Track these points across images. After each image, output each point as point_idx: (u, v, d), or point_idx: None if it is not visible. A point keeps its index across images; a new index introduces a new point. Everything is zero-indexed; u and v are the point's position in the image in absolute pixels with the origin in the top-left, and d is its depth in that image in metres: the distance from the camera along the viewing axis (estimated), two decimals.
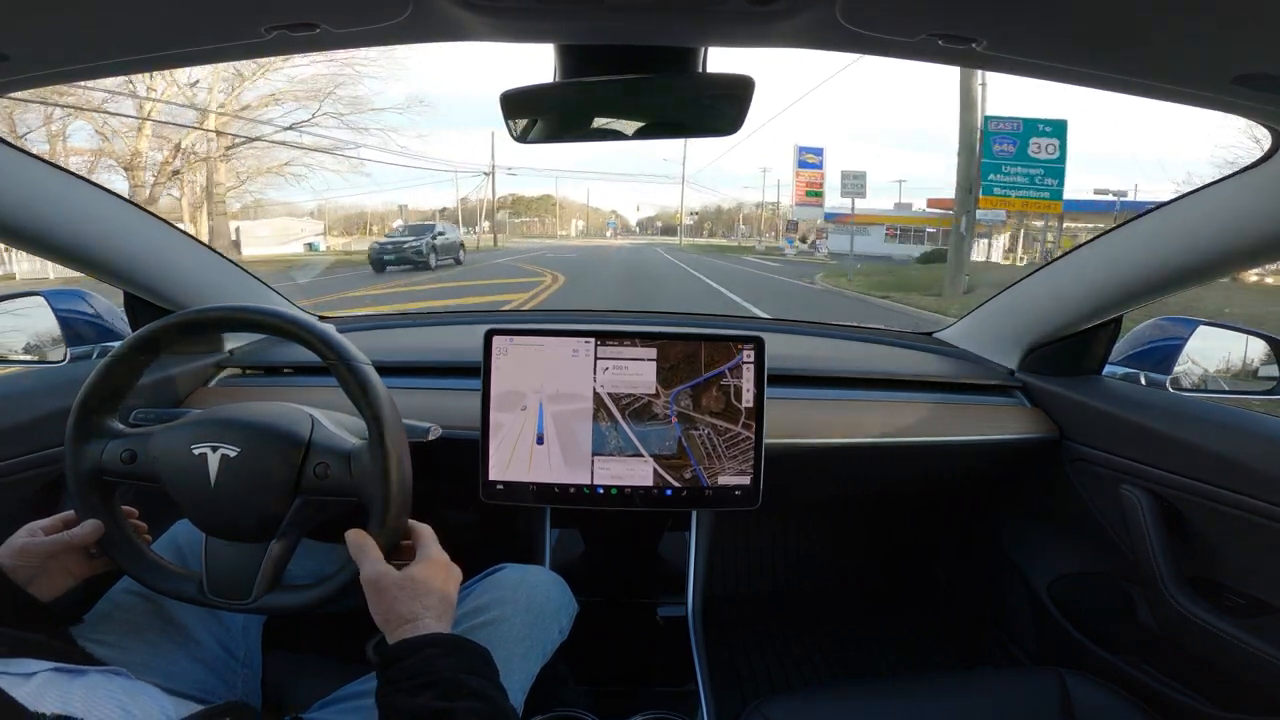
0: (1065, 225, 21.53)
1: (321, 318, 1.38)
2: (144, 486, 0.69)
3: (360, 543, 0.64)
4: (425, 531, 0.68)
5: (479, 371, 0.92)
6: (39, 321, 1.11)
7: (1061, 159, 10.75)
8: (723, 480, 0.93)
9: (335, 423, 0.73)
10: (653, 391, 0.93)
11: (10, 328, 1.14)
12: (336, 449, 0.68)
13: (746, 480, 0.93)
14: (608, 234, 58.72)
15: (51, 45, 0.58)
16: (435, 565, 0.65)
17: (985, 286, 9.49)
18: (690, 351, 0.92)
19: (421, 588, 0.62)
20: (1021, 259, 24.75)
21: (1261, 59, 0.53)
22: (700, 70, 0.69)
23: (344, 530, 0.66)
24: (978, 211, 11.29)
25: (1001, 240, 26.22)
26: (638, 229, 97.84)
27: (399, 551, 0.67)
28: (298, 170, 18.39)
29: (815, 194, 25.02)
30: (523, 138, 0.79)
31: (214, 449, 0.66)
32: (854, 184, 18.12)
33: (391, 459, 0.65)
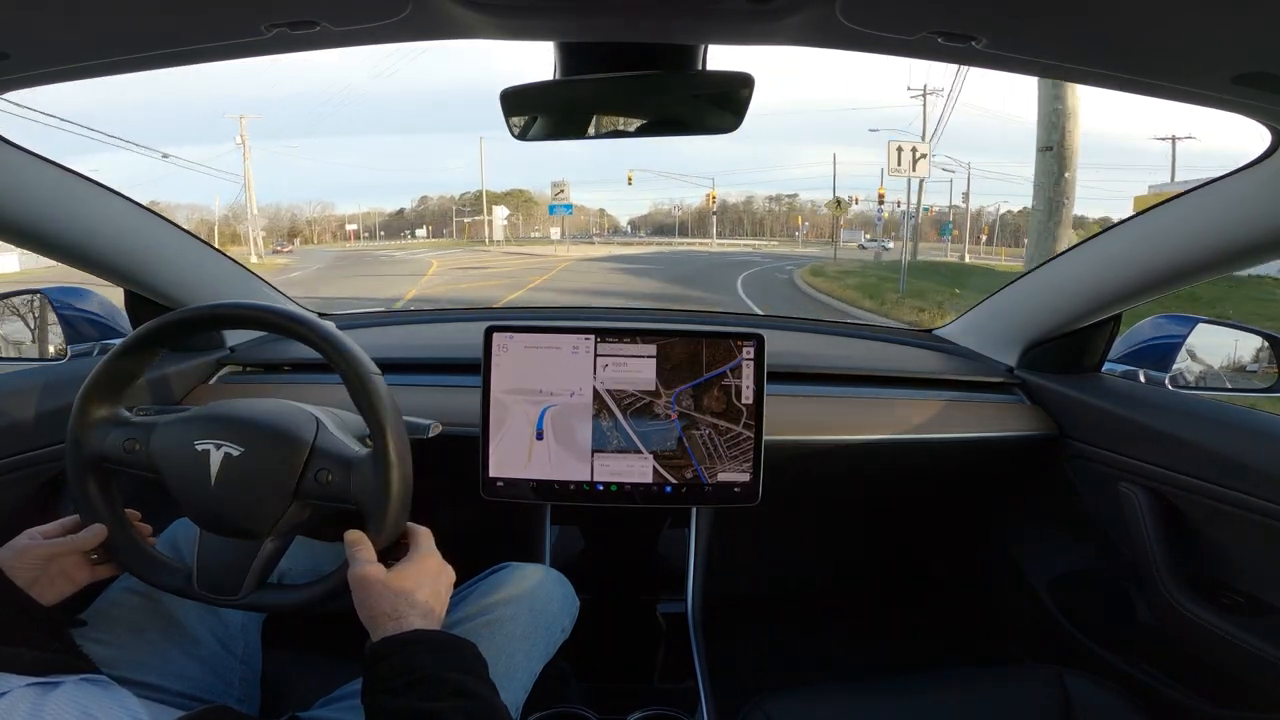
0: None
1: (322, 315, 1.38)
2: (143, 476, 0.69)
3: (355, 541, 0.64)
4: (422, 532, 0.68)
5: (479, 368, 0.93)
6: (40, 319, 1.11)
7: None
8: (722, 477, 0.93)
9: (339, 425, 0.72)
10: (653, 389, 0.93)
11: (11, 325, 1.14)
12: (339, 456, 0.67)
13: (746, 477, 0.93)
14: (553, 234, 35.67)
15: (51, 45, 0.58)
16: (426, 564, 0.64)
17: None
18: (691, 351, 0.93)
19: (408, 585, 0.61)
20: None
21: (1261, 58, 0.53)
22: (701, 68, 0.70)
23: (344, 529, 0.66)
24: None
25: None
26: (630, 228, 78.57)
27: (394, 550, 0.67)
28: None
29: None
30: (523, 135, 0.79)
31: (217, 446, 0.66)
32: None
33: (394, 472, 0.65)
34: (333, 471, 0.67)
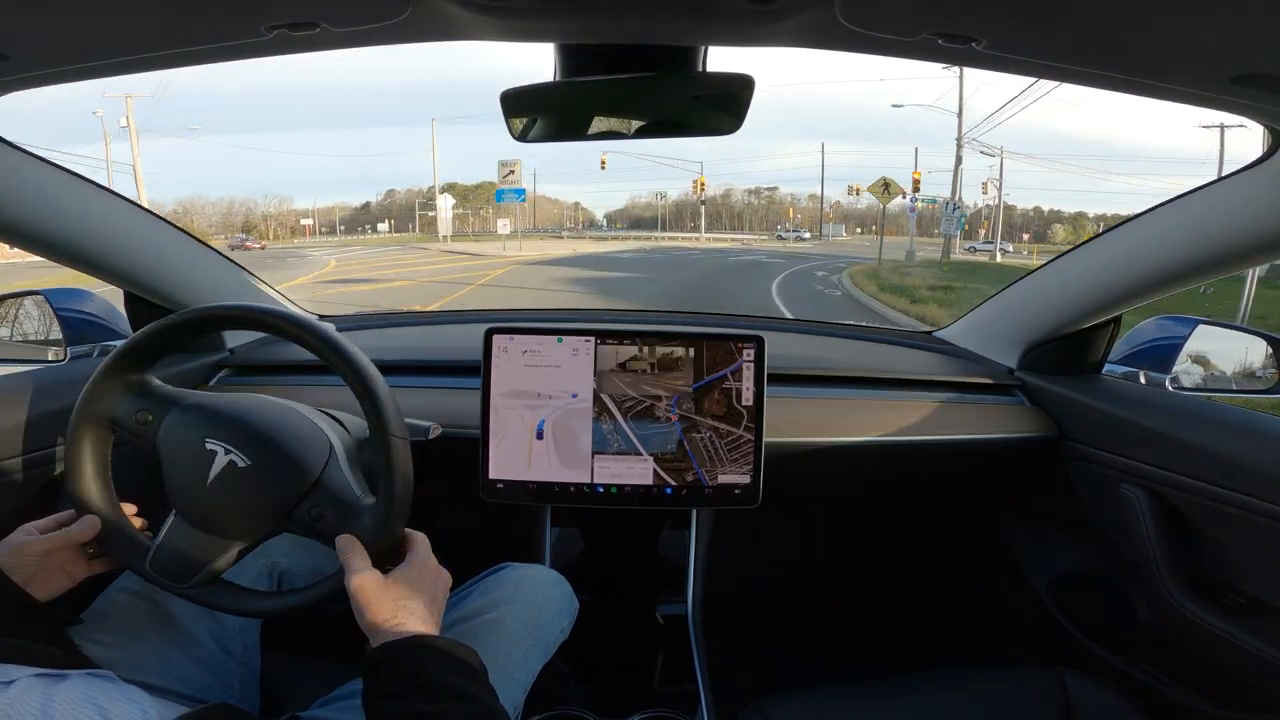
0: None
1: (322, 317, 1.38)
2: (141, 447, 0.69)
3: (348, 548, 0.64)
4: (418, 538, 0.68)
5: (479, 370, 0.93)
6: (40, 321, 1.11)
7: None
8: (723, 479, 0.93)
9: (349, 454, 0.71)
10: (653, 392, 0.93)
11: (11, 327, 1.14)
12: (340, 501, 0.67)
13: (747, 479, 0.93)
14: (501, 228, 28.12)
15: (51, 45, 0.58)
16: (422, 570, 0.64)
17: None
18: (692, 353, 0.93)
19: (406, 590, 0.62)
20: None
21: (1261, 59, 0.53)
22: (701, 69, 0.70)
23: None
24: None
25: None
26: (605, 222, 73.11)
27: (391, 555, 0.66)
28: None
29: None
30: (522, 137, 0.79)
31: (226, 451, 0.66)
32: None
33: (389, 538, 0.65)
34: (327, 512, 0.66)
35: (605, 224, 73.22)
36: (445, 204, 31.56)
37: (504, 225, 28.70)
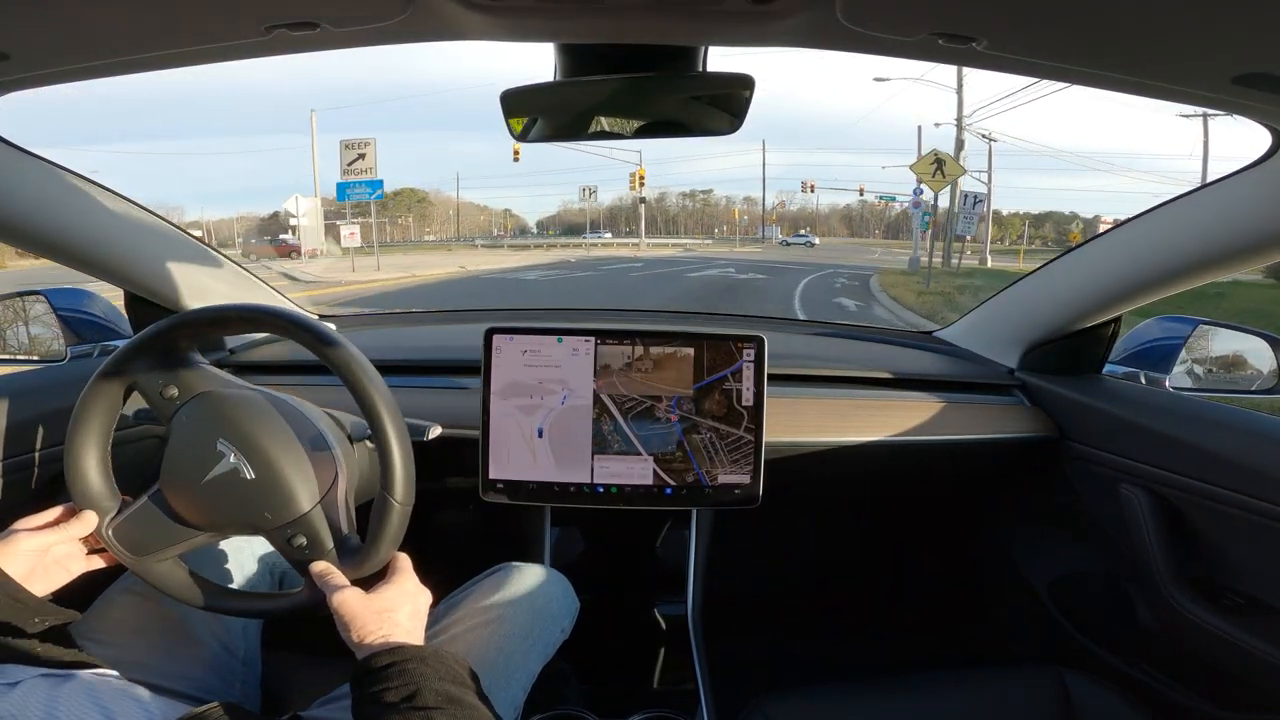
0: None
1: (322, 317, 1.38)
2: (154, 419, 0.69)
3: (323, 573, 0.65)
4: (400, 556, 0.68)
5: (479, 370, 0.93)
6: (40, 320, 1.11)
7: None
8: (723, 479, 0.93)
9: (349, 487, 0.71)
10: (653, 392, 0.93)
11: (11, 326, 1.14)
12: (319, 541, 0.66)
13: (747, 479, 0.93)
14: (345, 239, 17.56)
15: (51, 45, 0.58)
16: (405, 586, 0.65)
17: None
18: (692, 354, 0.92)
19: (390, 605, 0.63)
20: None
21: (1261, 59, 0.53)
22: (701, 69, 0.70)
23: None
24: None
25: None
26: (538, 229, 69.77)
27: (371, 576, 0.67)
28: None
29: None
30: (522, 137, 0.79)
31: (234, 457, 0.65)
32: None
33: (366, 574, 0.65)
34: (311, 549, 0.66)
35: (536, 230, 68.94)
36: (301, 209, 19.73)
37: (348, 235, 18.00)
